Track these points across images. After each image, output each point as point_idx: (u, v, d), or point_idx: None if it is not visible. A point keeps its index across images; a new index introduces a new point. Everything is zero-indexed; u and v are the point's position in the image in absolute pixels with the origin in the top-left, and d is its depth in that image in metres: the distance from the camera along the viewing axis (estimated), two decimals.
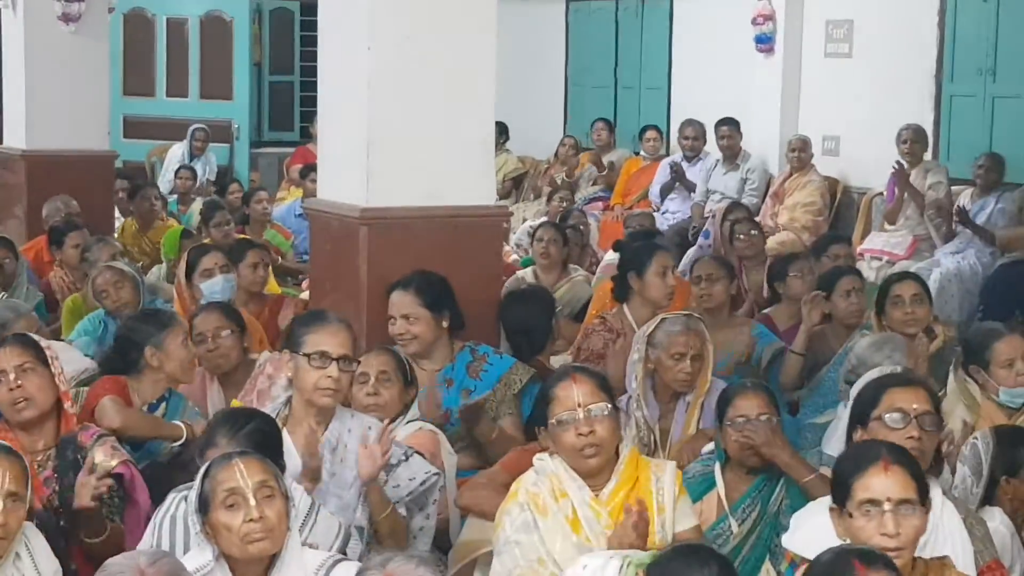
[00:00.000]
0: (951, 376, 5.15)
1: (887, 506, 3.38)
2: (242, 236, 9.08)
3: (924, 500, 3.45)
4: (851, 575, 3.08)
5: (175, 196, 11.83)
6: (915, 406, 4.00)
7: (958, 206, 9.18)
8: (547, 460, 4.08)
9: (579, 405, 3.99)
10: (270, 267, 7.45)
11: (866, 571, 3.07)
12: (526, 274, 7.86)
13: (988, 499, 4.40)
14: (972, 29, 9.92)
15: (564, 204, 10.32)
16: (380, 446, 4.21)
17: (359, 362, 4.51)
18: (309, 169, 11.14)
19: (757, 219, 10.12)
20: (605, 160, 12.22)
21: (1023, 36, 9.56)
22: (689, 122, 11.42)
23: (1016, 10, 9.60)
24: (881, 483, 3.41)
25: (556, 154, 12.78)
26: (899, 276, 6.27)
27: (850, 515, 3.42)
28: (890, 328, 5.77)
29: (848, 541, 3.44)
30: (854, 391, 4.49)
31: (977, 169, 9.34)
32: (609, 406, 4.03)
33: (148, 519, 4.13)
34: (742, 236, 8.03)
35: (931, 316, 6.05)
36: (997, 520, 4.27)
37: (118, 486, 4.38)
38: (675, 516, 4.07)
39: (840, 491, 3.48)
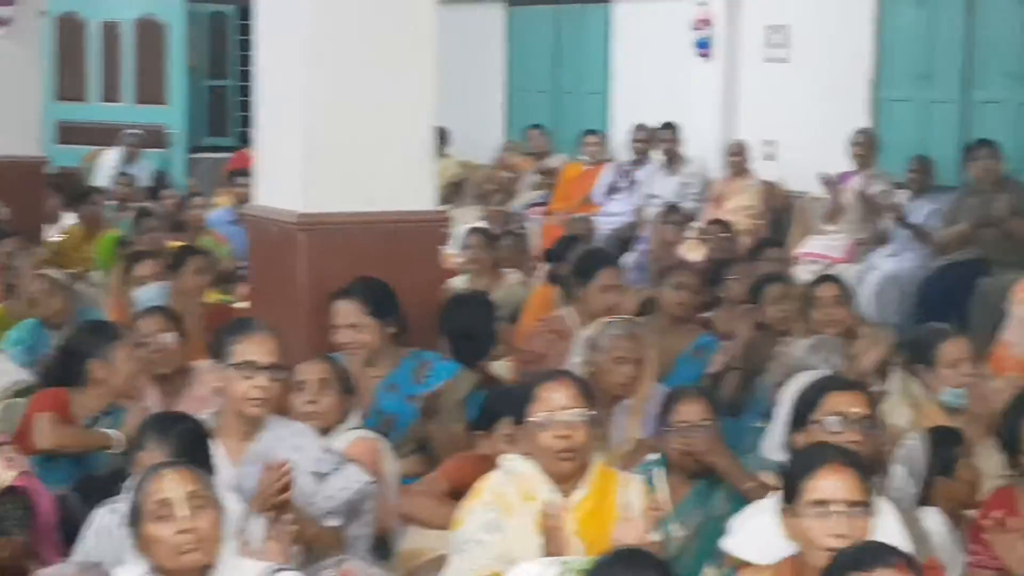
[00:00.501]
0: (894, 376, 5.18)
1: (839, 507, 3.39)
2: (179, 243, 8.98)
3: (870, 503, 3.46)
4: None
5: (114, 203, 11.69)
6: (854, 410, 4.01)
7: (897, 208, 9.25)
8: (517, 461, 4.06)
9: (561, 408, 3.99)
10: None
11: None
12: (460, 280, 7.82)
13: (924, 499, 4.44)
14: (907, 34, 10.01)
15: (500, 207, 10.27)
16: (278, 473, 4.12)
17: (289, 369, 4.46)
18: (236, 174, 11.06)
19: (697, 224, 10.20)
20: (545, 165, 12.21)
21: (957, 41, 9.66)
22: (640, 126, 11.45)
23: (950, 15, 9.70)
24: (832, 484, 3.42)
25: (498, 159, 12.78)
26: (821, 279, 6.32)
27: (799, 516, 3.42)
28: (813, 330, 5.81)
29: (795, 543, 3.44)
30: (793, 393, 4.51)
31: (910, 172, 9.43)
32: (590, 412, 4.03)
33: (57, 528, 4.06)
34: (711, 238, 8.11)
35: (851, 318, 6.07)
36: (933, 520, 4.31)
37: (18, 499, 4.28)
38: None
39: (790, 491, 3.49)
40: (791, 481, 3.50)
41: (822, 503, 3.40)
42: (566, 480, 4.02)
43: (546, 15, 13.34)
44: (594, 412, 4.07)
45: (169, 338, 5.48)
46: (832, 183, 9.45)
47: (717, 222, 8.61)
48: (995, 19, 9.40)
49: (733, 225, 9.89)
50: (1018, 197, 8.69)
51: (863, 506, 3.42)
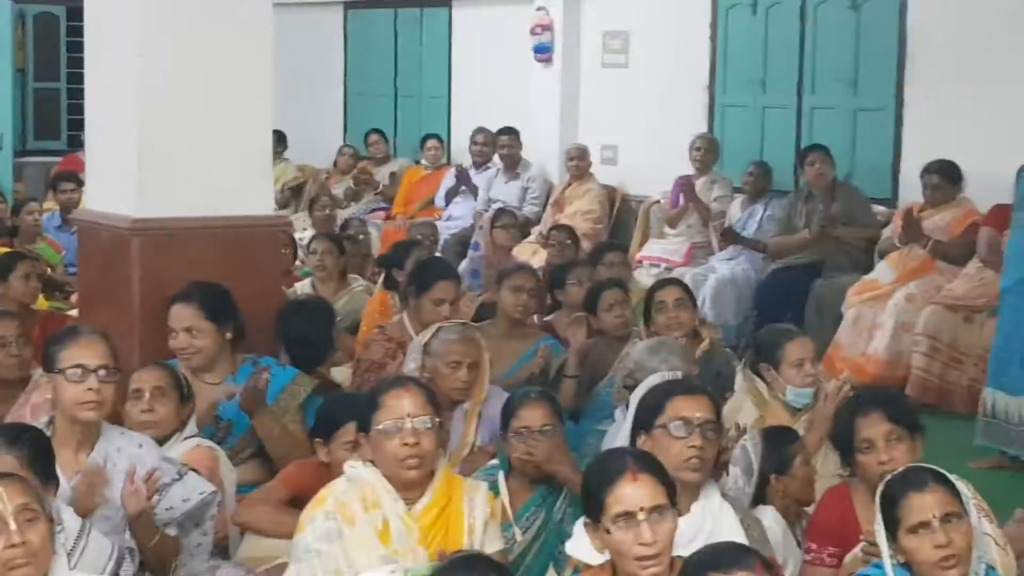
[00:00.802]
0: (739, 375, 5.23)
1: (641, 515, 3.37)
2: (9, 248, 8.72)
3: (673, 500, 3.46)
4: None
5: None
6: (698, 415, 4.01)
7: (726, 226, 9.40)
8: (361, 468, 4.01)
9: (407, 415, 3.95)
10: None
11: None
12: (304, 286, 7.74)
13: (760, 498, 4.49)
14: (743, 41, 10.18)
15: (327, 211, 10.10)
16: (146, 486, 4.08)
17: (121, 371, 4.36)
18: (59, 179, 10.79)
19: (539, 228, 10.24)
20: (387, 170, 12.16)
21: (791, 48, 9.83)
22: (480, 129, 11.47)
23: (784, 23, 9.87)
24: (632, 493, 3.39)
25: (335, 163, 12.69)
26: (662, 283, 6.39)
27: (607, 530, 3.40)
28: (656, 333, 5.86)
29: (606, 554, 3.44)
30: (637, 396, 4.52)
31: (747, 177, 9.60)
32: (435, 420, 4.00)
33: None
34: (555, 244, 8.11)
35: (695, 320, 6.15)
36: (769, 518, 4.36)
37: None
38: (484, 538, 4.03)
39: (593, 506, 3.46)
40: (592, 495, 3.47)
41: (626, 515, 3.38)
42: (411, 488, 3.98)
43: (385, 18, 13.28)
44: (439, 419, 4.05)
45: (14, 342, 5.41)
46: (690, 186, 9.56)
47: (562, 228, 8.65)
48: (827, 27, 9.60)
49: (575, 230, 9.98)
50: (850, 201, 8.89)
51: (666, 508, 3.41)
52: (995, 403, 6.52)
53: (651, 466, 3.48)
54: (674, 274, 8.46)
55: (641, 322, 6.15)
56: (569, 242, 8.32)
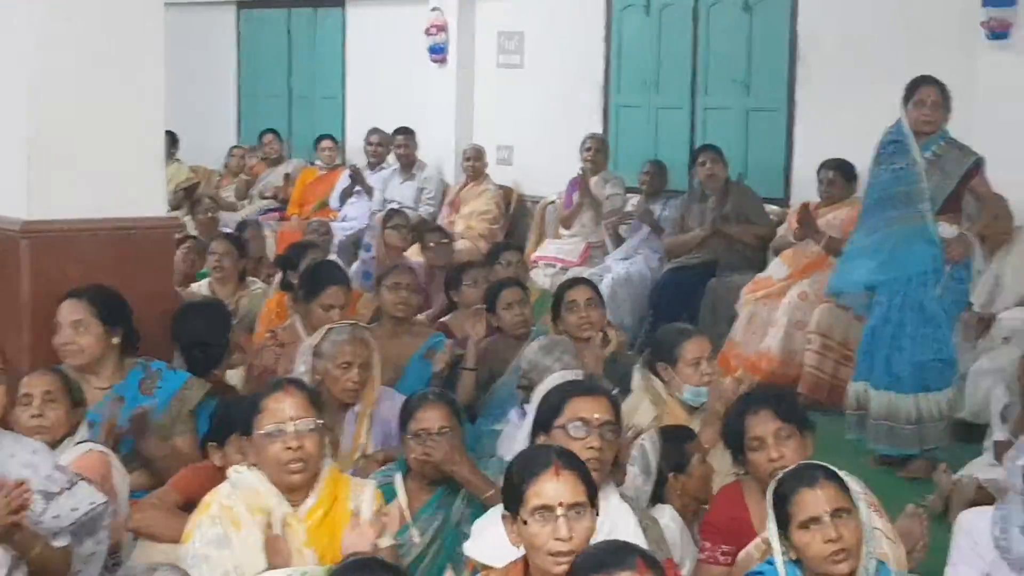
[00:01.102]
0: (636, 374, 5.27)
1: (560, 511, 3.39)
2: None
3: (593, 502, 3.48)
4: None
5: None
6: (596, 416, 4.04)
7: (645, 207, 9.48)
8: (245, 473, 4.00)
9: (289, 418, 3.94)
10: None
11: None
12: (201, 287, 7.67)
13: (659, 496, 4.53)
14: (636, 42, 10.25)
15: (209, 215, 9.96)
16: (14, 496, 3.99)
17: (9, 372, 4.28)
18: None
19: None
20: (281, 171, 12.07)
21: (684, 49, 9.93)
22: (375, 130, 11.43)
23: (677, 24, 9.96)
24: (553, 488, 3.41)
25: (225, 165, 12.58)
26: (572, 282, 6.40)
27: (524, 522, 3.42)
28: (566, 332, 5.88)
29: (522, 548, 3.45)
30: (537, 396, 4.53)
31: (643, 176, 9.68)
32: (318, 422, 3.99)
33: None
34: (432, 244, 8.08)
35: (605, 319, 6.18)
36: (667, 516, 4.40)
37: None
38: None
39: (513, 498, 3.48)
40: (513, 487, 3.49)
41: (545, 508, 3.39)
42: (296, 490, 3.98)
43: (278, 18, 13.18)
44: (322, 421, 4.04)
45: None
46: (584, 184, 9.60)
47: (435, 229, 8.68)
48: (720, 28, 9.71)
49: (470, 230, 10.01)
50: (742, 200, 8.99)
51: (585, 507, 3.43)
52: (871, 399, 6.62)
53: (575, 465, 3.50)
54: (570, 274, 8.49)
55: (549, 320, 6.18)
56: (445, 241, 8.37)
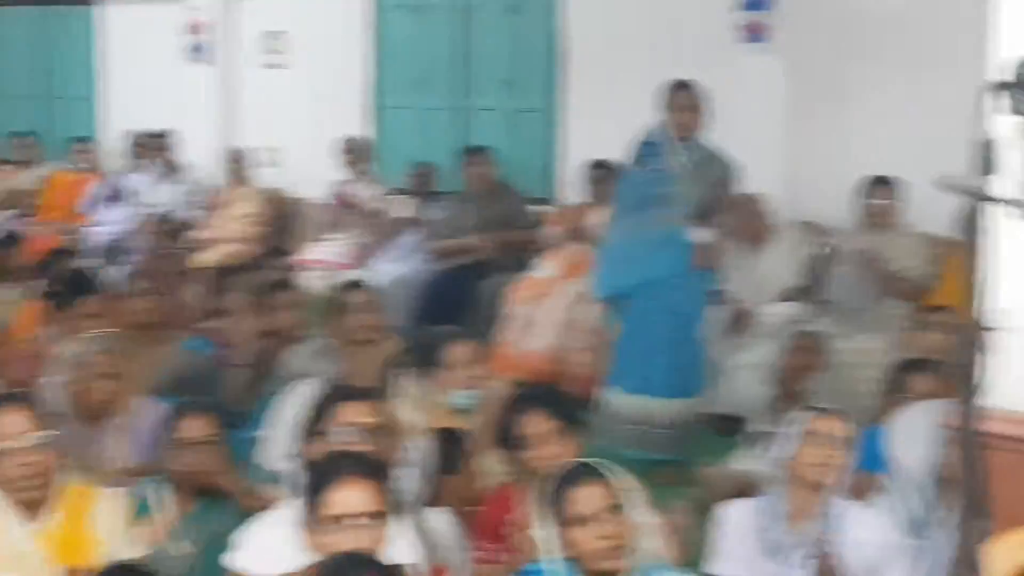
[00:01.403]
0: (406, 378, 5.24)
1: (356, 521, 3.40)
2: None
3: (387, 511, 3.49)
4: None
5: None
6: (363, 420, 4.05)
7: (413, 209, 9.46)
8: None
9: (19, 433, 3.88)
10: None
11: None
12: None
13: (432, 499, 4.52)
14: (404, 42, 10.23)
15: None
16: None
17: None
18: None
19: (201, 232, 10.04)
20: (35, 174, 11.69)
21: (452, 49, 9.95)
22: (134, 132, 11.17)
23: (445, 24, 9.98)
24: (348, 497, 3.43)
25: None
26: (349, 285, 6.37)
27: (319, 530, 3.41)
28: (342, 336, 5.84)
29: (319, 555, 3.41)
30: (304, 402, 4.49)
31: (413, 178, 9.66)
32: (48, 434, 3.93)
33: None
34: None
35: (382, 322, 6.16)
36: (440, 519, 4.40)
37: None
38: (120, 547, 3.96)
39: (312, 505, 3.47)
40: (309, 495, 3.49)
41: (339, 517, 3.40)
42: (34, 506, 3.91)
43: (29, 17, 12.75)
44: (55, 433, 3.99)
45: None
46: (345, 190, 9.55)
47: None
48: (487, 29, 9.76)
49: (236, 233, 9.84)
50: (511, 202, 9.04)
51: (380, 516, 3.45)
52: (624, 403, 6.66)
53: (372, 472, 3.52)
54: (339, 277, 8.41)
55: (324, 323, 6.13)
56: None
